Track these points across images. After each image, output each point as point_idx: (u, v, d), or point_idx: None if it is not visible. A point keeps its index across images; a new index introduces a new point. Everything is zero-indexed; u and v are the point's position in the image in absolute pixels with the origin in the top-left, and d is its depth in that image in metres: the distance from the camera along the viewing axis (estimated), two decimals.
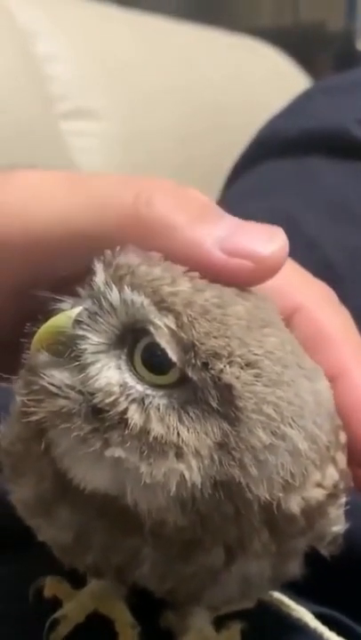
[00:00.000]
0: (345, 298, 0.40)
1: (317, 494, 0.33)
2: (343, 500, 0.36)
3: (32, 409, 0.32)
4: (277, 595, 0.43)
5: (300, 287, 0.38)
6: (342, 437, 0.35)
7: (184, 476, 0.30)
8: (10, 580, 0.41)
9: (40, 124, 1.10)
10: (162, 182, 0.34)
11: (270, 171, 0.76)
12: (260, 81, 1.44)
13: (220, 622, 0.39)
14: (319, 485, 0.33)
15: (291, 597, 0.44)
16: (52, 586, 0.39)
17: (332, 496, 0.34)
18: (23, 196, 0.35)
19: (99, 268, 0.32)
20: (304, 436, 0.31)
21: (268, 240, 0.33)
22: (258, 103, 1.15)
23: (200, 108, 1.31)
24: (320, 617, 0.44)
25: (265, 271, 0.33)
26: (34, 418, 0.32)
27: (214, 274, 0.33)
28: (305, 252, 0.63)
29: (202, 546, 0.33)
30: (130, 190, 0.34)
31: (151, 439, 0.30)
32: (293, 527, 0.33)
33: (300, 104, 0.81)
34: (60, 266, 0.35)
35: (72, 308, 0.32)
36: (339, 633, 0.43)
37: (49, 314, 0.33)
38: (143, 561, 0.34)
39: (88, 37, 1.23)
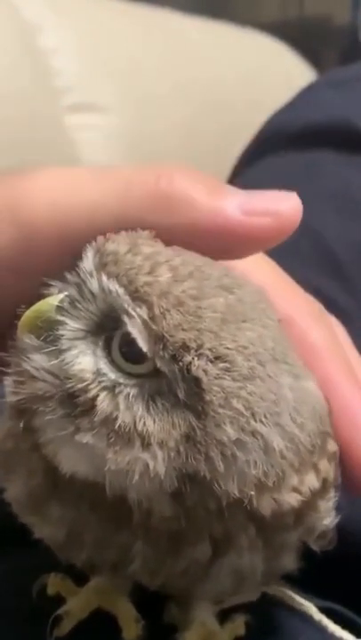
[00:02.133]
0: (350, 292, 0.40)
1: (292, 499, 0.33)
2: (333, 493, 0.35)
3: (15, 390, 0.32)
4: (282, 588, 0.43)
5: (287, 297, 0.38)
6: (331, 446, 0.35)
7: (148, 466, 0.30)
8: (13, 576, 0.41)
9: (45, 118, 1.10)
10: (179, 165, 0.35)
11: (275, 164, 0.76)
12: (266, 75, 1.43)
13: (224, 615, 0.39)
14: (295, 490, 0.33)
15: (295, 591, 0.44)
16: (55, 583, 0.39)
17: (322, 490, 0.34)
18: (49, 186, 0.35)
19: (88, 253, 0.33)
20: (279, 434, 0.31)
21: (283, 199, 0.34)
22: (263, 97, 1.15)
23: (205, 101, 1.30)
24: (324, 610, 0.44)
25: (284, 226, 0.34)
26: (14, 399, 0.32)
27: (237, 236, 0.33)
28: (310, 244, 0.63)
29: (188, 539, 0.33)
30: (151, 172, 0.35)
31: (117, 427, 0.30)
32: (281, 522, 0.33)
33: (304, 97, 0.81)
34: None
35: (58, 293, 0.33)
36: (343, 627, 0.43)
37: (38, 297, 0.33)
38: (135, 557, 0.34)
39: (93, 31, 1.23)
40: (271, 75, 1.44)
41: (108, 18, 1.28)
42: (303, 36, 2.08)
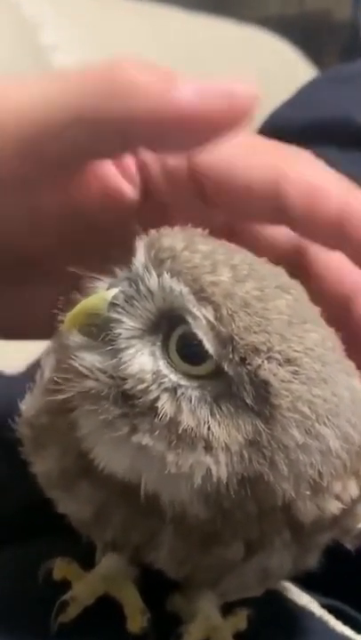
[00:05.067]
0: None
1: (333, 507, 0.32)
2: None
3: (60, 387, 0.32)
4: (284, 583, 0.43)
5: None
6: None
7: (210, 471, 0.30)
8: (19, 562, 0.41)
9: None
10: (132, 57, 0.35)
11: None
12: (267, 71, 1.43)
13: (226, 608, 0.39)
14: (337, 497, 0.32)
15: (298, 587, 0.44)
16: (61, 567, 0.39)
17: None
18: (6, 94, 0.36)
19: (140, 247, 0.32)
20: (337, 435, 0.31)
21: (237, 82, 0.34)
22: (264, 94, 1.14)
23: None
24: (326, 607, 0.44)
25: (239, 108, 0.33)
26: (60, 396, 0.32)
27: (192, 120, 0.33)
28: None
29: (221, 539, 0.33)
30: (103, 64, 0.34)
31: (181, 431, 0.30)
32: (317, 527, 0.33)
33: (305, 93, 0.80)
34: (61, 152, 0.35)
35: (108, 288, 0.32)
36: (344, 623, 0.43)
37: (83, 292, 0.32)
38: (162, 544, 0.34)
39: (94, 28, 1.23)
40: (272, 71, 1.44)
41: (109, 15, 1.28)
42: (304, 32, 2.07)
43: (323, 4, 2.67)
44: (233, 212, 0.38)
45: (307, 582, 0.42)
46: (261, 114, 0.83)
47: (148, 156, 0.39)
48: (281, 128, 0.78)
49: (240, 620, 0.38)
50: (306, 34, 2.06)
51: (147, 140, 0.35)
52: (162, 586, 0.37)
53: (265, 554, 0.34)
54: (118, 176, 0.39)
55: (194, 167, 0.38)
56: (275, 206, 0.36)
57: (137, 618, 0.37)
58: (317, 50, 1.90)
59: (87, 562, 0.39)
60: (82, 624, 0.36)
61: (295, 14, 2.63)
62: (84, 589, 0.37)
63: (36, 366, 0.37)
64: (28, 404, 0.36)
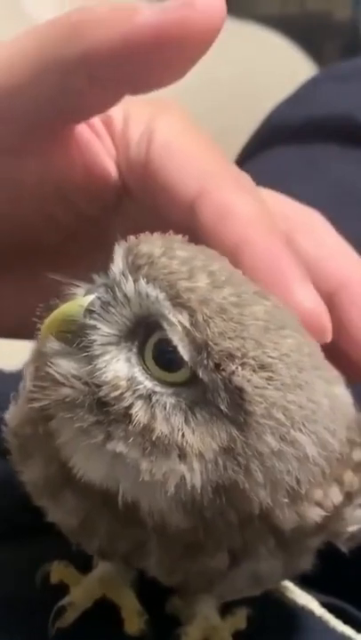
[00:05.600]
0: None
1: (314, 514, 0.32)
2: (360, 500, 0.34)
3: (37, 395, 0.31)
4: (284, 582, 0.43)
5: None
6: (357, 455, 0.34)
7: (184, 478, 0.29)
8: (17, 566, 0.41)
9: None
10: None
11: (276, 159, 0.76)
12: (267, 69, 1.43)
13: (225, 608, 0.39)
14: (318, 504, 0.32)
15: (297, 586, 0.43)
16: (58, 571, 0.38)
17: (345, 502, 0.33)
18: None
19: (118, 254, 0.31)
20: (314, 442, 0.30)
21: None
22: (265, 91, 1.14)
23: (206, 96, 1.30)
24: (326, 606, 0.44)
25: (204, 14, 0.32)
26: (37, 404, 0.31)
27: (162, 37, 0.32)
28: None
29: (205, 549, 0.32)
30: (61, 16, 0.34)
31: (154, 438, 0.30)
32: (301, 533, 0.32)
33: (306, 91, 0.80)
34: (31, 108, 0.35)
35: (85, 295, 0.32)
36: (345, 622, 0.43)
37: (62, 299, 0.32)
38: (149, 553, 0.33)
39: None
40: (272, 69, 1.44)
41: None
42: (304, 31, 2.07)
43: (323, 4, 2.67)
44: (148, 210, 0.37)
45: (307, 580, 0.42)
46: (261, 111, 0.83)
47: (117, 138, 0.38)
48: (281, 125, 0.78)
49: (239, 620, 0.38)
50: (306, 33, 2.05)
51: (113, 72, 0.33)
52: (160, 588, 0.37)
53: (252, 561, 0.33)
54: (103, 153, 0.38)
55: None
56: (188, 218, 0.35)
57: (134, 620, 0.37)
58: (318, 49, 1.90)
59: (84, 565, 0.39)
60: (79, 627, 0.36)
61: (296, 13, 2.63)
62: (81, 594, 0.37)
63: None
64: (12, 414, 0.36)
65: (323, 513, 0.32)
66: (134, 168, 0.37)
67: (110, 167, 0.38)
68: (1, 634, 0.36)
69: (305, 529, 0.32)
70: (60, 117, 0.36)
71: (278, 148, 0.75)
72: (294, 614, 0.42)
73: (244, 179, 0.36)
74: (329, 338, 0.33)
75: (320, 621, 0.43)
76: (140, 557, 0.34)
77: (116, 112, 0.38)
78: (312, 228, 0.38)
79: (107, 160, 0.38)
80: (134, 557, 0.34)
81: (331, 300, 0.35)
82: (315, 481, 0.31)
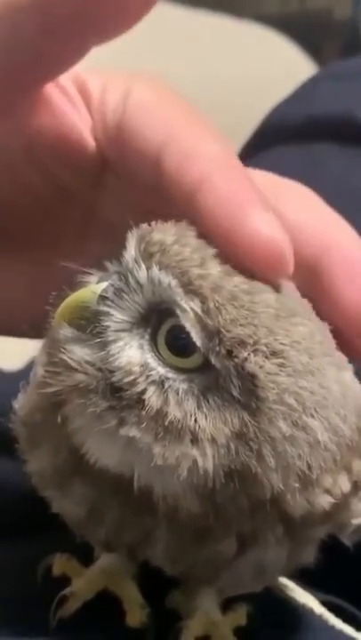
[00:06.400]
0: None
1: (324, 501, 0.32)
2: None
3: (50, 381, 0.32)
4: (284, 580, 0.43)
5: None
6: None
7: (197, 463, 0.30)
8: (19, 558, 0.41)
9: None
10: None
11: (276, 158, 0.76)
12: (267, 68, 1.43)
13: (226, 604, 0.39)
14: (327, 492, 0.32)
15: (297, 584, 0.44)
16: (61, 563, 0.39)
17: (353, 492, 0.34)
18: None
19: (131, 241, 0.32)
20: (325, 427, 0.31)
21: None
22: (265, 90, 1.14)
23: (206, 95, 1.30)
24: (326, 604, 0.44)
25: None
26: (50, 390, 0.32)
27: None
28: None
29: (214, 534, 0.33)
30: None
31: (167, 423, 0.30)
32: (310, 521, 0.33)
33: (306, 90, 0.80)
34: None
35: (98, 282, 0.32)
36: (344, 621, 0.43)
37: (75, 286, 0.32)
38: (156, 541, 0.34)
39: None
40: (272, 68, 1.44)
41: None
42: (304, 30, 2.07)
43: (323, 3, 2.67)
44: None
45: (307, 578, 0.42)
46: (262, 110, 0.83)
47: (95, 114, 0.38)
48: (281, 125, 0.78)
49: (240, 617, 0.39)
50: (306, 32, 2.05)
51: (65, 20, 0.33)
52: (161, 582, 0.37)
53: (259, 549, 0.34)
54: (78, 120, 0.37)
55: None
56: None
57: (136, 612, 0.37)
58: (318, 48, 1.90)
59: (86, 558, 0.39)
60: (81, 619, 0.36)
61: (296, 12, 2.63)
62: (83, 585, 0.37)
63: (32, 364, 0.37)
64: (21, 403, 0.36)
65: (332, 500, 0.32)
66: (110, 134, 0.37)
67: (86, 135, 0.38)
68: (2, 628, 0.36)
69: (313, 516, 0.32)
70: (18, 72, 0.35)
71: (278, 148, 0.75)
72: (294, 612, 0.42)
73: (211, 127, 0.36)
74: (290, 270, 0.31)
75: (320, 619, 0.43)
76: (147, 546, 0.34)
77: (94, 84, 0.38)
78: (300, 194, 0.38)
79: (82, 127, 0.38)
80: (140, 547, 0.35)
81: (316, 267, 0.34)
82: (326, 466, 0.31)
